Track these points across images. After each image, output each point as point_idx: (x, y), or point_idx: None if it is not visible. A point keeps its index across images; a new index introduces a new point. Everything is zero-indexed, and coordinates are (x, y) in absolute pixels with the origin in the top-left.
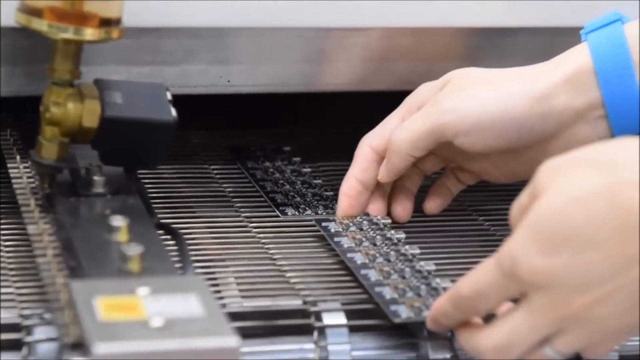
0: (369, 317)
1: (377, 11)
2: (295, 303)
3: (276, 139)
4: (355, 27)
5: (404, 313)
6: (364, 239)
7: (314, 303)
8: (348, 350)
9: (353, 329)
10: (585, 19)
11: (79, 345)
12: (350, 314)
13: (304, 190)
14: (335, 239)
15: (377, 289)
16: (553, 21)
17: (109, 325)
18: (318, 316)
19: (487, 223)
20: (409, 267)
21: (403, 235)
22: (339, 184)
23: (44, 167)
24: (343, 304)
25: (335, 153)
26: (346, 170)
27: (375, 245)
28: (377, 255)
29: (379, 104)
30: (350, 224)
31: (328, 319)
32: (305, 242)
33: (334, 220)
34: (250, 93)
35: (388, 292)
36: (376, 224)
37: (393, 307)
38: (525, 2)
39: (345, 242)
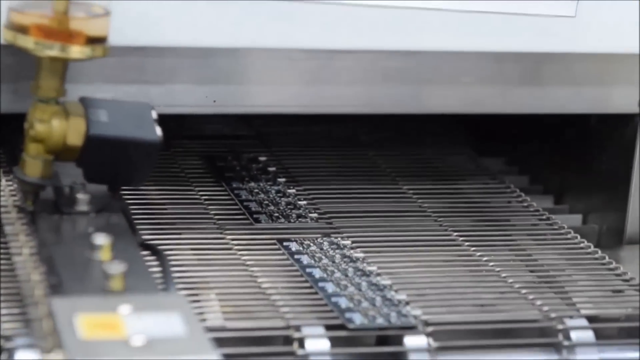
0: (353, 344)
1: (366, 34)
2: (278, 325)
3: (252, 150)
4: (345, 49)
5: (358, 320)
6: (323, 257)
7: (298, 328)
8: None
9: (336, 355)
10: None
11: None
12: (334, 341)
13: (278, 199)
14: (296, 257)
15: (334, 299)
16: (539, 47)
17: (90, 343)
18: (301, 343)
19: (461, 239)
20: (366, 282)
21: (362, 255)
22: (315, 194)
23: (27, 184)
24: (327, 327)
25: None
26: (326, 183)
27: (334, 262)
28: (335, 270)
29: (364, 125)
30: (311, 244)
31: (311, 345)
32: (282, 255)
33: (295, 241)
34: (236, 113)
35: (344, 302)
36: (336, 244)
37: (348, 315)
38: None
39: (305, 259)
